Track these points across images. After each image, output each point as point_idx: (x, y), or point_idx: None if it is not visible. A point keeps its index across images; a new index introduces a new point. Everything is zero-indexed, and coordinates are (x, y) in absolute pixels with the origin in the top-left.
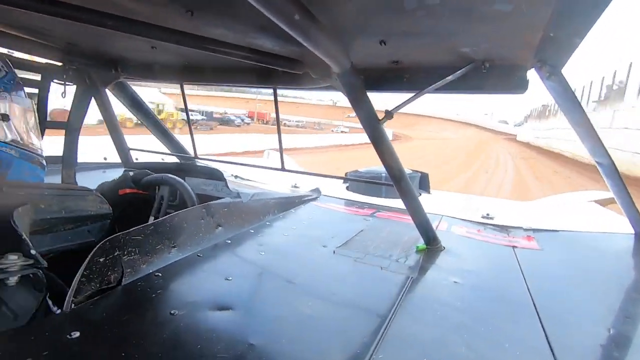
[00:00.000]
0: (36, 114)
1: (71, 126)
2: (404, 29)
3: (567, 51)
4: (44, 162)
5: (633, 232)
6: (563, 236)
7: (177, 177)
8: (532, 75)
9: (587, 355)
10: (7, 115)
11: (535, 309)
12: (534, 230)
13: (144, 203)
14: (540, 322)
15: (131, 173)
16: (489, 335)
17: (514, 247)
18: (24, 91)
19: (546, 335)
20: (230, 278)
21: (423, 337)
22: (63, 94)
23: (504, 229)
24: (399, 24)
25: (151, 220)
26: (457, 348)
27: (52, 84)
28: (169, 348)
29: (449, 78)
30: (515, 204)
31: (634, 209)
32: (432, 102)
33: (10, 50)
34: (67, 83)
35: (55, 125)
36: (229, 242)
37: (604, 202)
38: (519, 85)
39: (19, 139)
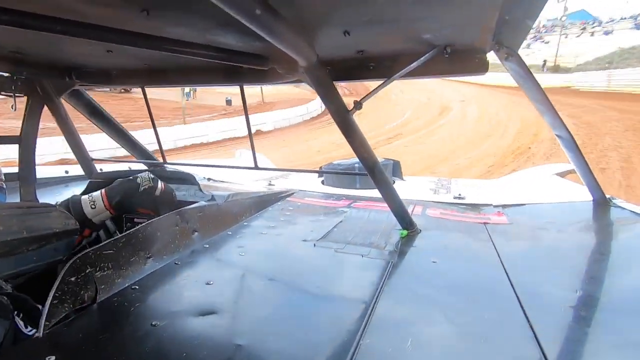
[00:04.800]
0: None
1: (25, 140)
2: (367, 18)
3: (522, 33)
4: (4, 185)
5: (592, 198)
6: (529, 209)
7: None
8: (491, 56)
9: (559, 317)
10: None
11: (509, 278)
12: (503, 206)
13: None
14: (514, 290)
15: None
16: (469, 310)
17: (485, 223)
18: None
19: (520, 302)
20: (211, 282)
21: (407, 318)
22: (13, 107)
23: (475, 207)
24: (362, 13)
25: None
26: (439, 324)
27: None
28: None
29: (414, 64)
30: (484, 183)
31: (592, 177)
32: None
33: None
34: (16, 95)
35: (7, 140)
36: (207, 246)
37: (563, 174)
38: (480, 67)
39: None
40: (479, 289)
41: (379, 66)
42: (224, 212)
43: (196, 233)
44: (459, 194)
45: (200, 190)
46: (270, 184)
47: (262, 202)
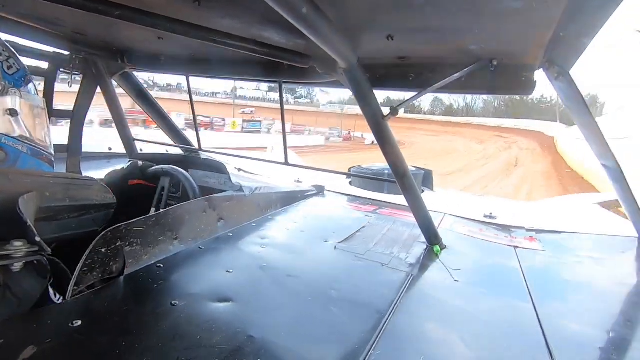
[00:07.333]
0: (47, 112)
1: (77, 115)
2: (412, 24)
3: (576, 52)
4: (53, 159)
5: (637, 235)
6: (566, 237)
7: (180, 169)
8: (539, 75)
9: (586, 358)
10: (16, 111)
11: (535, 309)
12: (537, 230)
13: (148, 194)
14: (539, 322)
15: (140, 163)
16: (487, 335)
17: (515, 247)
18: (35, 88)
19: (545, 337)
20: (231, 270)
21: (421, 335)
22: (69, 83)
23: (506, 228)
24: (407, 19)
25: (152, 212)
26: (455, 346)
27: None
28: (169, 338)
29: (455, 76)
30: (517, 204)
31: (639, 212)
32: None
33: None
34: (74, 72)
35: (61, 114)
36: (231, 235)
37: (608, 205)
38: (526, 86)
39: (27, 135)
40: (501, 315)
41: (419, 75)
42: (250, 204)
43: (222, 221)
44: (490, 213)
45: (230, 180)
46: (298, 181)
47: (289, 198)
